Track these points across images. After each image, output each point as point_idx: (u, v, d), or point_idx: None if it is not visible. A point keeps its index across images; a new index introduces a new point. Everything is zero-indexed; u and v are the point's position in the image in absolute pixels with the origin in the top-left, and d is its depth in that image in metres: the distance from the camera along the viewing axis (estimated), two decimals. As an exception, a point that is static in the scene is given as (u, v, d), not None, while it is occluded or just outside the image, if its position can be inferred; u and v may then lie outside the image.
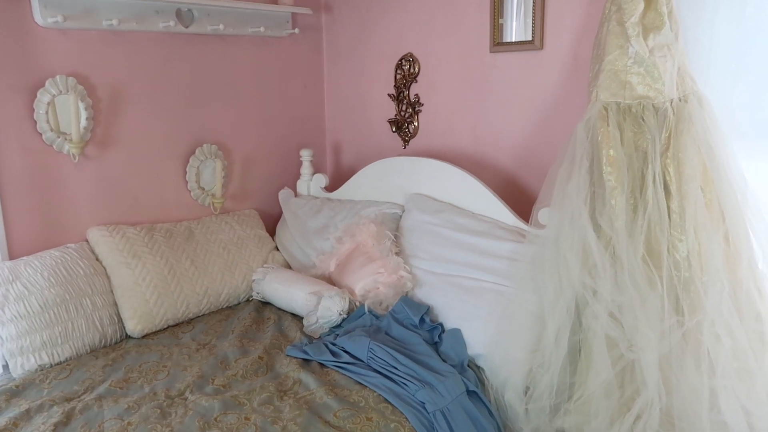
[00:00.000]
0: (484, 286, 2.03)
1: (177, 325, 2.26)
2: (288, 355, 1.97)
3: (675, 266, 1.70)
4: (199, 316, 2.34)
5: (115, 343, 2.13)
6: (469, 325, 2.00)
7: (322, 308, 2.14)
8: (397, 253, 2.30)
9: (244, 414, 1.64)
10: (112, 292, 2.16)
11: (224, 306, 2.44)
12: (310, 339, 2.12)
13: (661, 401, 1.62)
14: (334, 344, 2.00)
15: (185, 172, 2.60)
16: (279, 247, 2.72)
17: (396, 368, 1.83)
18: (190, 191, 2.62)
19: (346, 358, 1.91)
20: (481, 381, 1.91)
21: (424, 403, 1.72)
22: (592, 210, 1.80)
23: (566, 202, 1.82)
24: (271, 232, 2.81)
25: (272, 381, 1.82)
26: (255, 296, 2.48)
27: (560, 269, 1.80)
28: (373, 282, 2.25)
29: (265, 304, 2.45)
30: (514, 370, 1.83)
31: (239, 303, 2.48)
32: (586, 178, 1.81)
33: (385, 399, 1.73)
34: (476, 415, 1.75)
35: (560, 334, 1.78)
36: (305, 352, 1.96)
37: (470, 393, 1.81)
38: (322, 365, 1.92)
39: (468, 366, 1.93)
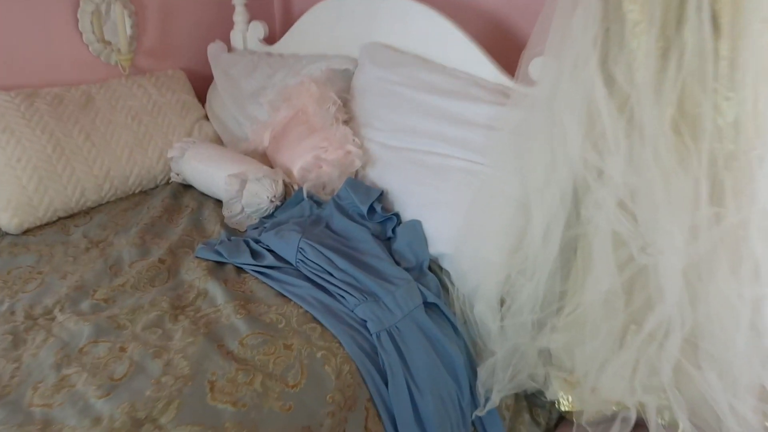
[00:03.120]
0: (454, 164, 1.54)
1: (70, 216, 1.80)
2: (196, 257, 1.53)
3: (718, 136, 1.20)
4: (101, 205, 1.87)
5: (-14, 241, 1.68)
6: (433, 216, 1.54)
7: (247, 194, 1.68)
8: (345, 122, 1.78)
9: (119, 343, 1.22)
10: (-24, 177, 1.68)
11: (136, 191, 1.96)
12: (234, 234, 1.67)
13: (684, 320, 1.20)
14: (258, 242, 1.55)
15: (77, 20, 2.01)
16: (209, 116, 2.19)
17: (332, 274, 1.39)
18: (87, 45, 2.05)
19: (270, 260, 1.47)
20: (444, 288, 1.48)
21: (365, 322, 1.30)
22: (604, 55, 1.25)
23: (568, 46, 1.28)
24: (204, 99, 2.27)
25: (168, 293, 1.38)
26: (174, 178, 2.00)
27: (554, 140, 1.30)
28: (314, 159, 1.75)
29: (187, 187, 1.97)
30: (487, 275, 1.39)
31: (156, 186, 2.01)
32: (598, 8, 1.25)
33: (314, 317, 1.30)
34: (435, 334, 1.33)
35: (550, 228, 1.31)
36: (218, 253, 1.52)
37: (429, 305, 1.38)
38: (239, 270, 1.48)
39: (429, 269, 1.49)
